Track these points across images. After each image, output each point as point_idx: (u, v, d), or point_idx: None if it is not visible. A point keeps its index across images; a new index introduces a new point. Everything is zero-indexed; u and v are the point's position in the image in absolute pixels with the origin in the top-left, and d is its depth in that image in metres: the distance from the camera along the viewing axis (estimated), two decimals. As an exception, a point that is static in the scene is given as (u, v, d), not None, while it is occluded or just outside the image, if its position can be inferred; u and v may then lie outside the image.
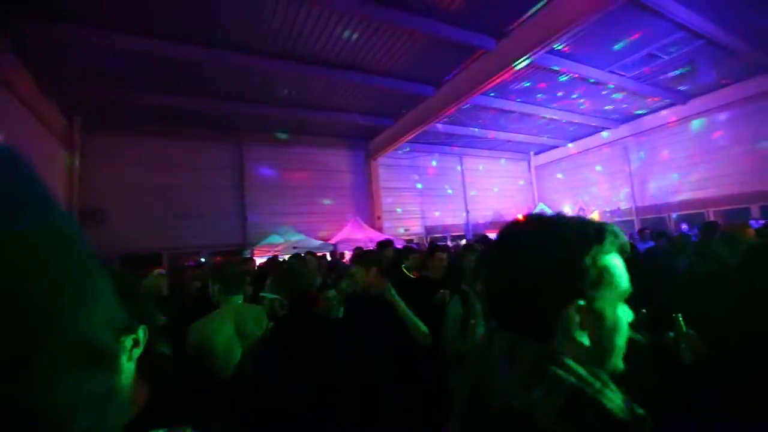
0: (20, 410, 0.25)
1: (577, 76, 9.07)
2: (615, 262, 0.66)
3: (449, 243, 13.09)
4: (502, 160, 16.76)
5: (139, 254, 9.42)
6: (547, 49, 6.90)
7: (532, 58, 7.11)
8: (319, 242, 10.54)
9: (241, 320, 2.18)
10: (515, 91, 10.02)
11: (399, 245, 6.61)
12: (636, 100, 11.22)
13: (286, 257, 5.47)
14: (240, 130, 11.24)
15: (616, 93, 10.51)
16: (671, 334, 1.38)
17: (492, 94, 10.00)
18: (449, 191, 15.34)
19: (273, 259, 6.27)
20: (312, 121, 10.96)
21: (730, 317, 1.70)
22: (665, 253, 5.01)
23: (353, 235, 10.91)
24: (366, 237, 10.86)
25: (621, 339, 0.65)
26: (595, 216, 13.71)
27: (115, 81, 7.91)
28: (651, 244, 6.36)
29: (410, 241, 12.81)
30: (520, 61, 7.06)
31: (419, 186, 14.64)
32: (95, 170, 9.39)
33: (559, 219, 0.71)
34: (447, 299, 2.96)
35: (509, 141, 14.55)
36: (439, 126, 11.75)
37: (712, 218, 10.75)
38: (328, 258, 8.79)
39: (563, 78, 9.28)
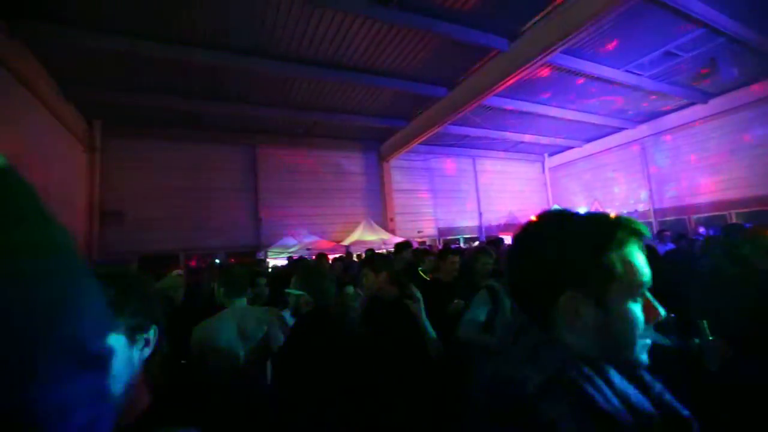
0: (21, 408, 0.26)
1: (592, 75, 8.92)
2: (625, 257, 0.66)
3: (462, 245, 13.01)
4: (516, 162, 16.59)
5: (157, 255, 9.60)
6: (561, 49, 6.82)
7: (546, 58, 7.03)
8: (332, 244, 10.59)
9: (243, 322, 2.26)
10: (529, 91, 9.91)
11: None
12: (654, 99, 10.98)
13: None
14: (254, 133, 11.39)
15: (633, 92, 10.31)
16: (696, 340, 1.34)
17: (506, 95, 9.91)
18: (462, 193, 15.25)
19: (297, 260, 6.30)
20: (325, 123, 11.04)
21: (757, 320, 1.64)
22: (687, 255, 4.87)
23: (366, 237, 10.93)
24: (378, 239, 10.86)
25: (634, 333, 0.65)
26: (611, 218, 13.43)
27: (134, 86, 8.11)
28: (671, 246, 6.20)
29: (423, 243, 12.77)
30: (533, 61, 6.99)
31: (432, 188, 14.59)
32: (114, 172, 9.63)
33: (567, 215, 0.73)
34: (461, 309, 2.93)
35: (523, 142, 14.39)
36: (452, 127, 11.70)
37: (734, 220, 10.44)
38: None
39: (578, 78, 9.15)
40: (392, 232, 12.32)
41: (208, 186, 10.83)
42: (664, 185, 12.83)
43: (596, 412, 0.57)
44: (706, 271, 2.96)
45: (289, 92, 9.06)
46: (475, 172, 15.61)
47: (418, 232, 13.80)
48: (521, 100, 10.42)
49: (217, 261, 10.29)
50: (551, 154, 16.78)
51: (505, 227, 15.12)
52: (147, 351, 0.89)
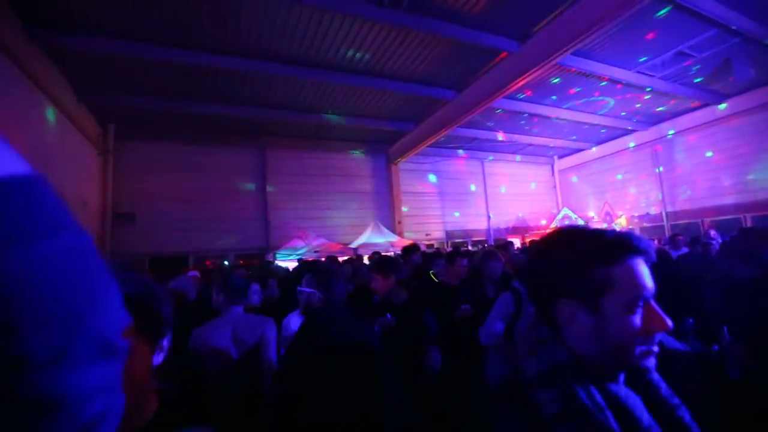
0: (51, 389, 0.30)
1: (603, 77, 8.84)
2: (620, 272, 0.71)
3: (470, 248, 12.94)
4: (525, 164, 16.48)
5: (167, 256, 9.72)
6: (571, 50, 6.77)
7: (557, 60, 6.98)
8: (340, 246, 10.61)
9: (238, 328, 2.38)
10: (538, 93, 9.85)
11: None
12: (666, 100, 10.84)
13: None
14: (264, 136, 11.50)
15: (645, 94, 10.18)
16: (716, 347, 1.31)
17: (515, 97, 9.86)
18: (471, 196, 15.19)
19: (309, 262, 6.33)
20: (334, 126, 11.10)
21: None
22: (701, 259, 4.78)
23: (374, 240, 10.93)
24: (386, 242, 10.86)
25: (629, 339, 0.70)
26: (622, 221, 13.26)
27: (146, 90, 8.25)
28: (685, 251, 6.08)
29: (431, 245, 12.73)
30: (543, 63, 6.95)
31: (440, 190, 14.56)
32: (127, 175, 9.78)
33: (576, 230, 0.81)
34: (468, 315, 2.90)
35: (532, 144, 14.29)
36: (461, 130, 11.67)
37: (749, 224, 10.23)
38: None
39: (588, 79, 9.06)
40: (400, 234, 12.31)
41: (218, 188, 10.95)
42: (677, 188, 12.63)
43: (576, 404, 0.65)
44: (724, 277, 2.90)
45: (298, 95, 9.13)
46: (484, 174, 15.54)
47: (426, 234, 13.77)
48: (531, 102, 10.36)
49: (226, 263, 10.39)
50: (561, 157, 16.64)
51: (514, 230, 15.03)
52: (161, 357, 0.90)
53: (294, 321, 2.56)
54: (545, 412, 0.66)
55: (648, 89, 9.72)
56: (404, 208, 13.39)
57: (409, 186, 13.82)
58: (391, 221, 12.87)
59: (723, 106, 10.92)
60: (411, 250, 4.77)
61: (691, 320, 1.58)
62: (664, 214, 12.84)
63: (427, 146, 11.92)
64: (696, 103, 11.11)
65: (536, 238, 10.84)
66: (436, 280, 3.62)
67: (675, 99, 10.64)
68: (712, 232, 7.97)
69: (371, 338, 2.12)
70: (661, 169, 13.01)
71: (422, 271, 3.99)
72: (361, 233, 11.64)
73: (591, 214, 14.78)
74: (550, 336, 0.76)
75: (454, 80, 8.88)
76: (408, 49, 7.46)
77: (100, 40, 6.27)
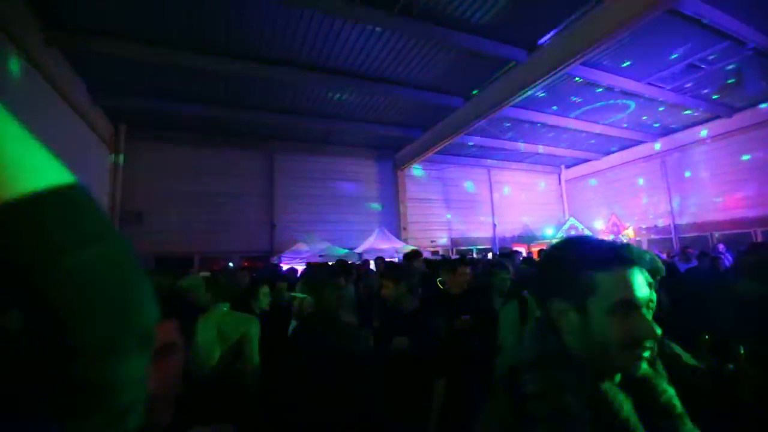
0: (99, 381, 0.33)
1: (612, 88, 8.82)
2: (607, 277, 0.78)
3: (474, 256, 12.88)
4: (532, 173, 16.42)
5: (173, 256, 9.79)
6: (580, 61, 6.77)
7: (566, 70, 6.98)
8: (345, 251, 10.61)
9: (222, 325, 2.48)
10: (547, 103, 9.84)
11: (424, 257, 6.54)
12: (676, 113, 10.78)
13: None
14: (271, 140, 11.59)
15: (655, 105, 10.13)
16: (731, 366, 1.29)
17: (523, 106, 9.86)
18: (476, 203, 15.14)
19: (317, 265, 6.33)
20: (341, 131, 11.17)
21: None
22: (709, 274, 4.72)
23: (379, 245, 10.92)
24: (391, 247, 10.85)
25: (613, 341, 0.76)
26: (629, 233, 13.14)
27: (158, 92, 8.38)
28: (695, 264, 6.01)
29: (435, 252, 12.69)
30: (552, 73, 6.95)
31: (446, 197, 14.54)
32: (136, 174, 9.90)
33: (577, 239, 0.90)
34: (468, 325, 2.88)
35: (539, 153, 14.25)
36: (468, 138, 11.68)
37: (759, 239, 10.08)
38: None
39: (598, 90, 9.05)
40: (405, 241, 12.29)
41: (225, 191, 11.04)
42: (686, 201, 12.49)
43: (552, 386, 0.74)
44: (733, 294, 2.85)
45: (307, 100, 9.22)
46: (490, 182, 15.50)
47: (431, 241, 13.74)
48: (538, 111, 10.35)
49: (231, 264, 10.43)
50: (568, 166, 16.57)
51: (519, 239, 14.93)
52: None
53: None
54: (525, 390, 0.75)
55: (658, 101, 9.67)
56: (409, 215, 13.37)
57: (415, 192, 13.82)
58: (396, 227, 12.87)
59: (732, 118, 10.82)
60: (413, 256, 4.64)
61: (706, 336, 1.56)
62: (672, 226, 12.69)
63: (434, 153, 11.93)
64: (706, 115, 11.02)
65: (543, 247, 10.76)
66: (442, 288, 3.58)
67: (685, 111, 10.58)
68: (721, 246, 7.87)
69: (360, 345, 2.13)
70: (671, 179, 12.89)
71: (428, 278, 3.95)
72: (366, 238, 11.65)
73: (598, 224, 14.66)
74: (546, 330, 0.85)
75: (463, 88, 8.92)
76: (417, 57, 7.51)
77: (115, 43, 6.39)
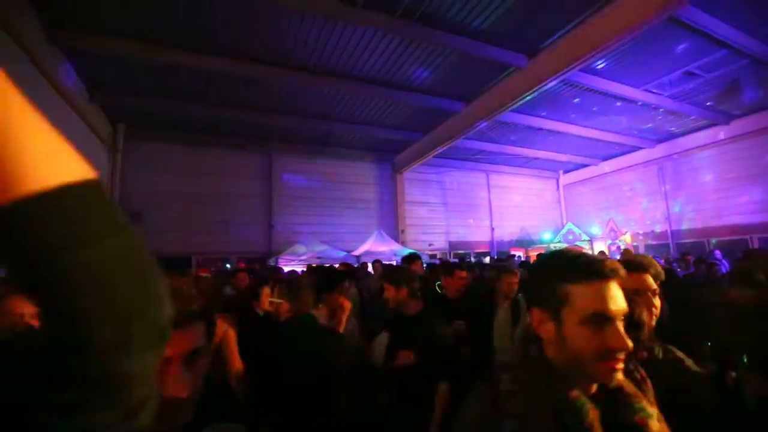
0: (114, 375, 0.34)
1: (610, 94, 8.87)
2: (580, 290, 0.82)
3: (472, 260, 12.89)
4: (530, 178, 16.47)
5: (171, 257, 9.74)
6: (579, 67, 6.80)
7: (565, 75, 7.02)
8: (343, 253, 10.60)
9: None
10: (546, 108, 9.89)
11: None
12: (673, 119, 10.85)
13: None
14: (271, 141, 11.58)
15: (652, 112, 10.19)
16: (734, 373, 1.29)
17: (522, 111, 9.89)
18: (475, 207, 15.17)
19: (317, 268, 6.30)
20: (340, 133, 11.18)
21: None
22: (705, 280, 4.74)
23: (377, 248, 10.90)
24: (389, 250, 10.83)
25: (585, 350, 0.80)
26: (627, 238, 13.18)
27: (157, 92, 8.36)
28: (692, 270, 6.04)
29: (433, 256, 12.70)
30: (551, 78, 6.99)
31: (444, 201, 14.56)
32: (134, 174, 9.86)
33: (558, 252, 0.94)
34: (462, 330, 2.86)
35: (538, 158, 14.31)
36: (467, 142, 11.71)
37: (756, 246, 10.13)
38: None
39: (596, 96, 9.10)
40: (403, 243, 12.29)
41: (223, 191, 11.01)
42: (683, 207, 12.55)
43: (523, 387, 0.82)
44: (729, 300, 2.86)
45: (307, 102, 9.22)
46: (489, 186, 15.54)
47: (429, 245, 13.74)
48: (537, 116, 10.40)
49: (228, 266, 10.40)
50: (566, 171, 16.63)
51: (518, 243, 14.96)
52: None
53: None
54: (500, 388, 0.84)
55: (655, 107, 9.73)
56: (407, 218, 13.38)
57: (414, 195, 13.83)
58: (394, 230, 12.86)
59: (729, 126, 10.89)
60: (411, 259, 4.52)
61: (708, 344, 1.57)
62: (669, 232, 12.74)
63: (433, 156, 11.95)
64: (704, 123, 11.10)
65: (541, 251, 10.79)
66: (440, 292, 3.57)
67: (682, 118, 10.65)
68: (718, 253, 7.89)
69: (336, 349, 2.14)
70: (668, 185, 12.96)
71: (427, 282, 3.93)
72: (364, 241, 11.64)
73: (595, 229, 14.71)
74: (530, 336, 0.90)
75: (463, 92, 8.94)
76: (418, 60, 7.54)
77: (115, 41, 6.37)
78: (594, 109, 9.93)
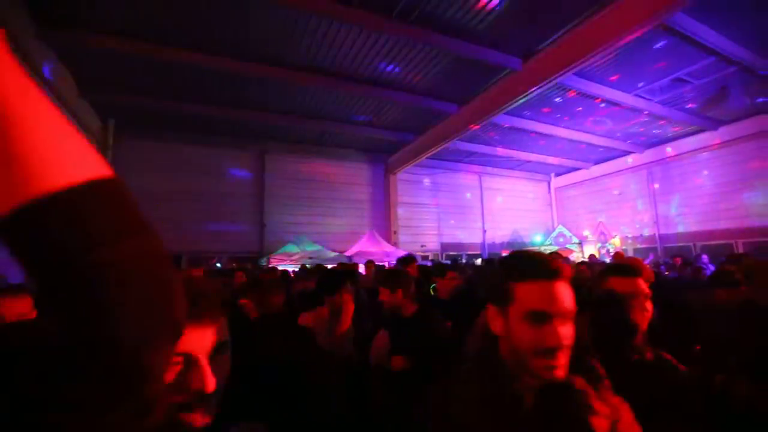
0: (136, 372, 0.34)
1: (602, 98, 8.98)
2: (523, 288, 0.87)
3: (464, 261, 12.95)
4: (522, 180, 16.61)
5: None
6: (572, 71, 6.88)
7: (558, 79, 7.10)
8: (335, 254, 10.57)
9: None
10: (538, 111, 9.98)
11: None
12: (663, 125, 11.02)
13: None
14: (263, 140, 11.51)
15: (643, 117, 10.35)
16: (721, 376, 1.31)
17: (515, 114, 9.97)
18: (467, 209, 15.24)
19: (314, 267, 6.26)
20: (334, 133, 11.15)
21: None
22: (692, 283, 4.82)
23: (369, 248, 10.90)
24: (381, 251, 10.84)
25: (525, 346, 0.84)
26: (616, 241, 13.36)
27: (147, 88, 8.26)
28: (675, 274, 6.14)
29: (425, 257, 12.73)
30: (545, 82, 7.06)
31: (437, 203, 14.61)
32: (124, 171, 9.65)
33: (514, 253, 0.98)
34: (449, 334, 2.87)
35: (530, 161, 14.43)
36: (461, 144, 11.76)
37: (741, 250, 10.34)
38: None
39: (588, 100, 9.21)
40: (395, 245, 12.30)
41: (215, 189, 10.92)
42: (670, 211, 12.76)
43: (470, 376, 0.90)
44: (714, 303, 2.92)
45: (301, 101, 9.18)
46: (481, 188, 15.63)
47: (422, 246, 13.77)
48: (530, 119, 10.49)
49: (218, 265, 10.31)
50: (558, 174, 16.80)
51: (509, 245, 15.06)
52: None
53: (302, 322, 2.56)
54: (456, 376, 0.92)
55: (646, 113, 9.89)
56: (400, 219, 13.39)
57: (406, 197, 13.85)
58: (386, 231, 12.87)
59: (717, 131, 11.11)
60: (407, 261, 4.47)
61: (696, 347, 1.59)
62: (657, 236, 12.95)
63: (426, 158, 11.99)
64: (692, 128, 11.30)
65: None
66: (432, 294, 3.58)
67: (671, 123, 10.83)
68: (704, 257, 8.04)
69: (304, 350, 2.14)
70: (657, 189, 13.17)
71: (421, 284, 3.93)
72: (356, 241, 11.62)
73: (586, 232, 14.88)
74: (487, 332, 0.95)
75: (457, 94, 8.99)
76: (413, 62, 7.55)
77: (106, 37, 6.28)
78: (585, 113, 10.05)
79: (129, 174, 9.76)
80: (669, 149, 12.57)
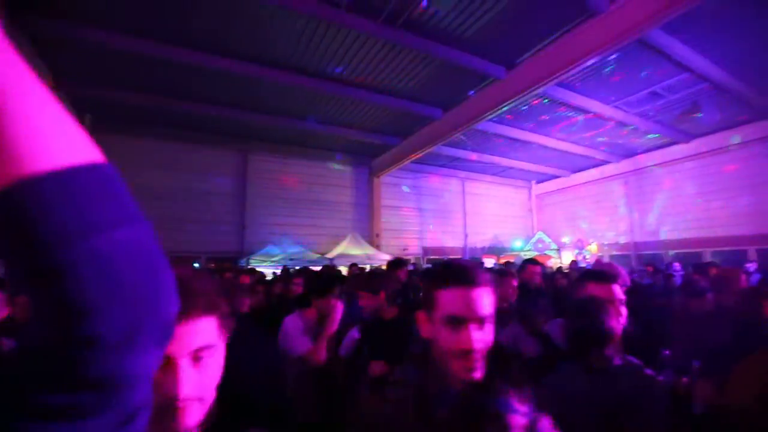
0: (117, 375, 0.31)
1: (582, 108, 9.24)
2: (442, 295, 0.92)
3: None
4: (504, 186, 16.89)
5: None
6: (554, 82, 7.06)
7: (540, 89, 7.26)
8: (317, 256, 10.49)
9: None
10: (521, 119, 10.18)
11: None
12: (639, 136, 11.41)
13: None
14: (245, 139, 11.33)
15: (620, 128, 10.69)
16: (685, 379, 1.36)
17: (498, 121, 10.13)
18: (449, 214, 15.38)
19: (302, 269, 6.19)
20: (318, 135, 11.07)
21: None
22: (663, 290, 4.99)
23: (351, 251, 10.87)
24: (363, 254, 10.83)
25: (447, 348, 0.89)
26: (593, 248, 13.71)
27: (126, 83, 8.03)
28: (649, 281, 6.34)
29: (407, 261, 12.74)
30: (528, 91, 7.21)
31: (420, 206, 14.69)
32: (99, 168, 9.39)
33: (445, 262, 1.04)
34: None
35: (512, 168, 14.69)
36: (444, 148, 11.88)
37: (709, 259, 10.75)
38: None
39: (569, 110, 9.45)
40: (377, 247, 12.30)
41: (194, 188, 10.66)
42: (644, 220, 13.21)
43: (400, 379, 0.95)
44: (682, 310, 3.03)
45: (285, 100, 9.09)
46: (463, 193, 15.81)
47: (404, 249, 13.80)
48: (513, 126, 10.69)
49: (196, 265, 10.06)
50: (539, 181, 17.15)
51: (490, 250, 15.26)
52: None
53: (290, 323, 2.52)
54: (389, 379, 0.98)
55: (623, 123, 10.22)
56: (383, 222, 13.40)
57: (390, 200, 13.87)
58: (369, 234, 12.85)
59: (689, 144, 11.59)
60: (397, 265, 4.49)
61: (666, 352, 1.64)
62: (632, 243, 13.38)
63: (410, 162, 12.05)
64: (666, 140, 11.74)
65: (510, 259, 11.04)
66: (413, 297, 3.60)
67: (647, 135, 11.23)
68: (677, 265, 8.33)
69: (273, 356, 2.12)
70: (632, 199, 13.61)
71: (407, 289, 3.93)
72: (338, 244, 11.57)
73: (565, 239, 15.23)
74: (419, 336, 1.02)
75: (442, 100, 9.08)
76: (399, 66, 7.59)
77: (84, 29, 6.08)
78: (566, 121, 10.31)
79: (104, 170, 9.46)
80: (644, 160, 13.02)
